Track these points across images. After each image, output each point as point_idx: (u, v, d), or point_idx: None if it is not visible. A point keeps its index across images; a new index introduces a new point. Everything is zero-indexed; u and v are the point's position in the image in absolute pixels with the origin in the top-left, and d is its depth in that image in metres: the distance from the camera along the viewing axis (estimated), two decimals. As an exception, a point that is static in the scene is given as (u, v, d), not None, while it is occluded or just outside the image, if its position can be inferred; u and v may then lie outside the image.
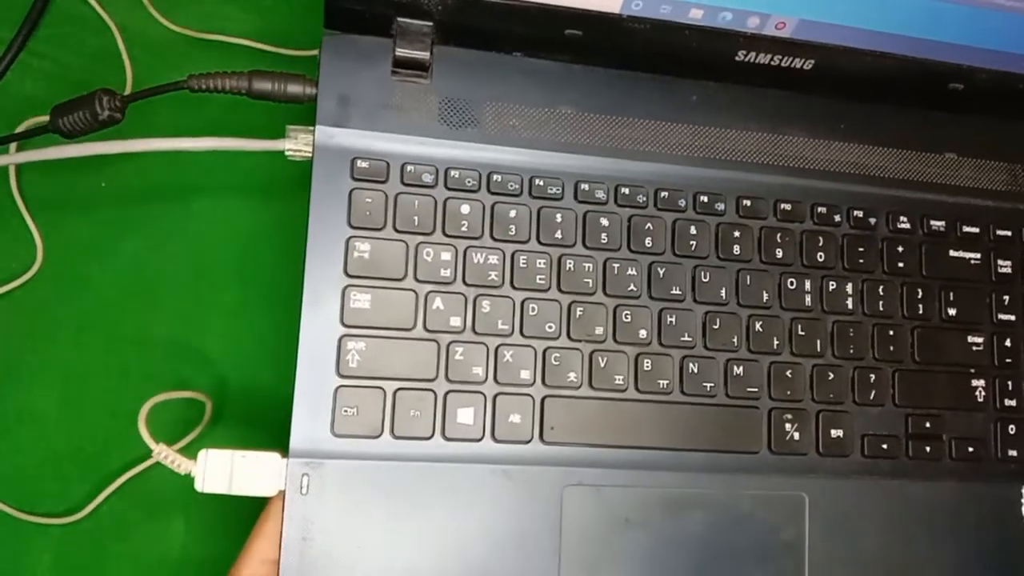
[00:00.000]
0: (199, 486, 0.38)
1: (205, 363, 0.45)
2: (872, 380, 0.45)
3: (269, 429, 0.48)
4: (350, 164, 0.41)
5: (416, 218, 0.41)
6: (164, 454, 0.38)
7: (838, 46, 0.45)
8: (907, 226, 0.47)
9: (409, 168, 0.42)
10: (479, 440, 0.40)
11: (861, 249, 0.46)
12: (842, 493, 0.44)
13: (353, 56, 0.42)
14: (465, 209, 0.42)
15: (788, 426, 0.44)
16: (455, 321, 0.41)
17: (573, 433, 0.41)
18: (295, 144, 0.41)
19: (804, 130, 0.47)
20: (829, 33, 0.45)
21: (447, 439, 0.40)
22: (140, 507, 0.42)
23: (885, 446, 0.45)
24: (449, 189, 0.42)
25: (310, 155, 0.41)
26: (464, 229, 0.42)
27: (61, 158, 0.39)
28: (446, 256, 0.41)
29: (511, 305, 0.42)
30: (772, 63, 0.46)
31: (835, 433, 0.44)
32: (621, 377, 0.42)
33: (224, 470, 0.38)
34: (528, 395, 0.41)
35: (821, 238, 0.46)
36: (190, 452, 0.38)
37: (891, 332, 0.46)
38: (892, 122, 0.48)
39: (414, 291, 0.41)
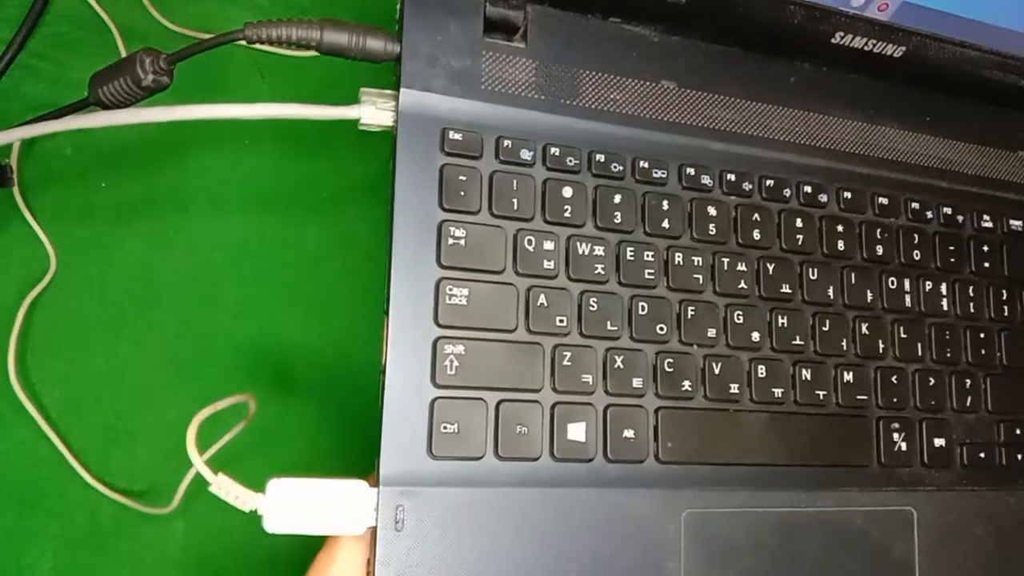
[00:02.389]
0: (269, 526, 0.31)
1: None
2: (968, 385, 0.43)
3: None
4: (440, 136, 0.35)
5: (515, 201, 0.35)
6: (225, 488, 0.31)
7: (931, 34, 0.43)
8: (989, 225, 0.45)
9: (505, 143, 0.36)
10: (591, 460, 0.35)
11: (951, 248, 0.44)
12: (947, 506, 0.41)
13: (440, 13, 0.36)
14: (567, 192, 0.36)
15: (896, 436, 0.41)
16: (561, 321, 0.35)
17: (690, 450, 0.36)
18: (374, 111, 0.35)
19: (893, 120, 0.44)
20: (926, 19, 0.42)
21: (556, 459, 0.34)
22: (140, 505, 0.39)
23: (983, 455, 0.42)
24: (549, 169, 0.36)
25: (391, 125, 0.35)
26: (567, 215, 0.36)
27: (108, 125, 0.31)
28: (548, 245, 0.36)
29: (620, 303, 0.36)
30: (865, 47, 0.43)
31: (938, 442, 0.41)
32: (736, 386, 0.38)
33: (298, 504, 0.31)
34: (640, 406, 0.36)
35: (916, 235, 0.43)
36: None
37: (981, 335, 0.44)
38: (972, 117, 0.46)
39: (515, 285, 0.35)
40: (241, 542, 0.41)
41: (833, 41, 0.42)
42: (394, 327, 0.33)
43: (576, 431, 0.35)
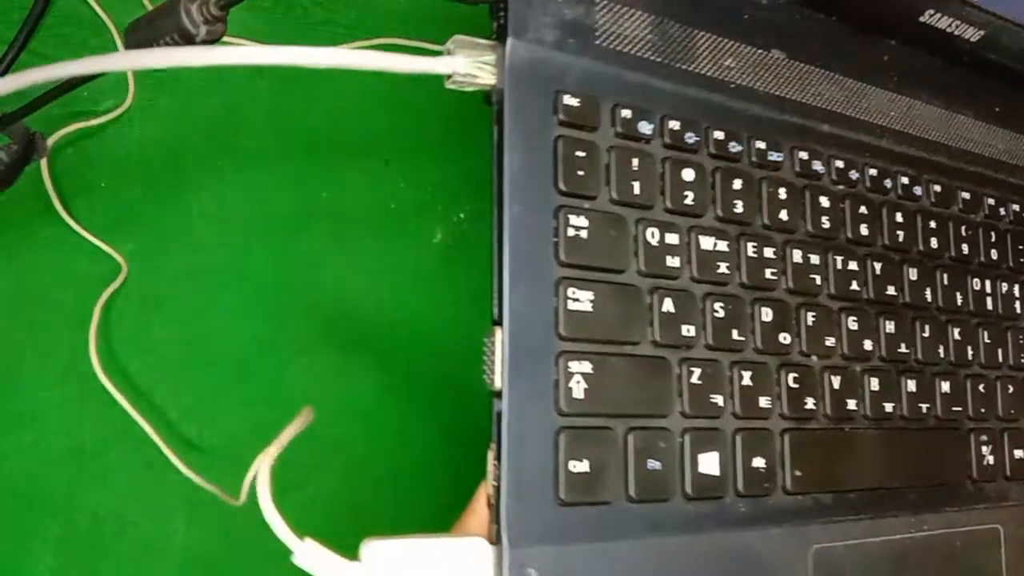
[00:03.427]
0: (370, 605, 0.23)
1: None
2: (1042, 392, 0.40)
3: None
4: (553, 100, 0.28)
5: (636, 184, 0.29)
6: (313, 558, 0.23)
7: (1010, 19, 0.40)
8: (1045, 222, 0.43)
9: (623, 112, 0.29)
10: (723, 497, 0.29)
11: (1022, 247, 0.41)
12: (1030, 522, 0.38)
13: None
14: (688, 175, 0.30)
15: (984, 449, 0.38)
16: (688, 330, 0.29)
17: (816, 478, 0.32)
18: (471, 65, 0.27)
19: (969, 109, 0.41)
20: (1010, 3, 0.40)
21: (688, 498, 0.28)
22: (141, 506, 0.37)
23: (1057, 466, 0.40)
24: (668, 146, 0.30)
25: (490, 83, 0.27)
26: (689, 203, 0.30)
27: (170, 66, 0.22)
28: (672, 239, 0.30)
29: (743, 308, 0.31)
30: (948, 28, 0.39)
31: (1018, 454, 0.39)
32: (853, 401, 0.33)
33: (402, 572, 0.24)
34: (768, 430, 0.31)
35: (993, 233, 0.40)
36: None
37: (1047, 339, 0.42)
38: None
39: (639, 288, 0.29)
40: (241, 542, 0.38)
41: (921, 19, 0.38)
42: (511, 340, 0.26)
43: (708, 463, 0.29)
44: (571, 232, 0.27)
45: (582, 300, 0.27)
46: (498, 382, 0.26)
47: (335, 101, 0.41)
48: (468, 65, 0.27)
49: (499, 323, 0.26)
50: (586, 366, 0.27)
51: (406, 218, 0.42)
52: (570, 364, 0.26)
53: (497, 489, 0.25)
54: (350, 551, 0.23)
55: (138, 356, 0.38)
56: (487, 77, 0.27)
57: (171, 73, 0.37)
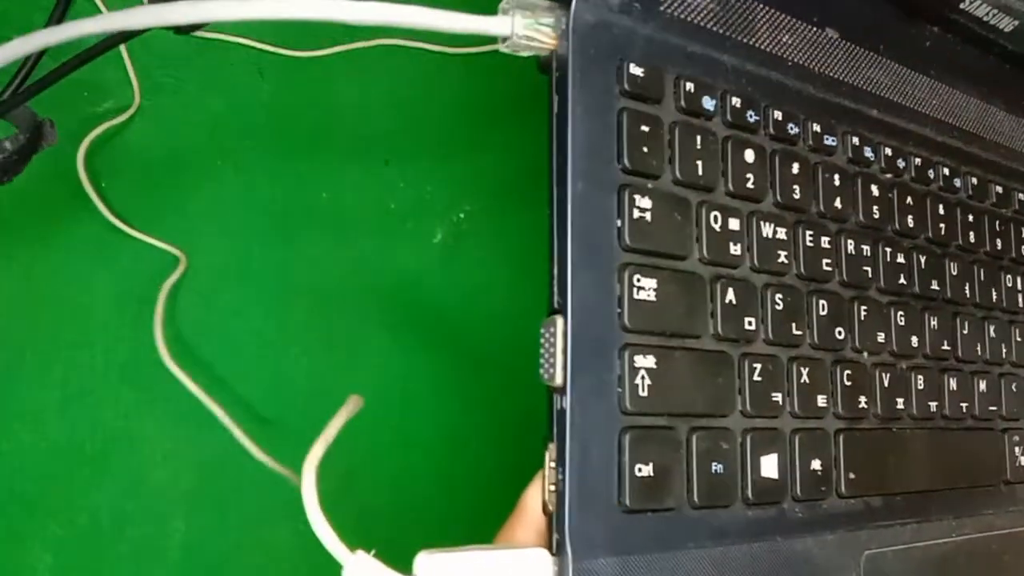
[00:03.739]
0: (428, 626, 0.21)
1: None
2: (1064, 392, 0.40)
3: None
4: (617, 70, 0.25)
5: (700, 164, 0.27)
6: (363, 573, 0.20)
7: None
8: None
9: (687, 86, 0.27)
10: (781, 502, 0.27)
11: (1046, 243, 0.41)
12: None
13: None
14: (749, 156, 0.28)
15: (1018, 450, 0.37)
16: (749, 324, 0.27)
17: (868, 481, 0.30)
18: (530, 26, 0.24)
19: (1001, 101, 0.40)
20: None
21: (748, 503, 0.26)
22: (140, 506, 0.36)
23: (1075, 466, 0.40)
24: (729, 125, 0.28)
25: (550, 46, 0.25)
26: (750, 186, 0.28)
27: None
28: (734, 225, 0.27)
29: (802, 300, 0.29)
30: (985, 17, 0.38)
31: (1047, 456, 0.38)
32: (902, 400, 0.32)
33: (458, 589, 0.21)
34: (823, 430, 0.29)
35: (1023, 228, 0.39)
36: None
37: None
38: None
39: (702, 276, 0.26)
40: (240, 542, 0.37)
41: (962, 6, 0.37)
42: (575, 330, 0.23)
43: (769, 465, 0.27)
44: (636, 214, 0.25)
45: (647, 288, 0.25)
46: (559, 376, 0.23)
47: (335, 101, 0.40)
48: (527, 26, 0.25)
49: (560, 311, 0.24)
50: (650, 361, 0.25)
51: (406, 218, 0.40)
52: (635, 358, 0.24)
53: (558, 494, 0.23)
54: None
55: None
56: (545, 40, 0.25)
57: (172, 73, 0.36)
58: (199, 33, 0.37)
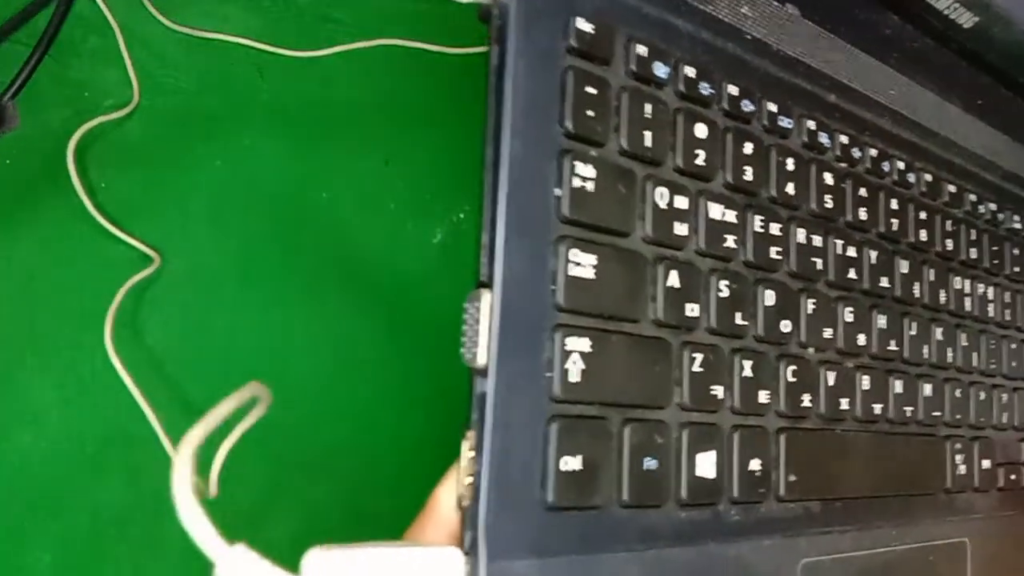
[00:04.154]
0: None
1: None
2: (1004, 400, 0.39)
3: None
4: (564, 24, 0.23)
5: (648, 135, 0.25)
6: (240, 569, 0.17)
7: (1004, 11, 0.38)
8: (1019, 226, 0.42)
9: (639, 49, 0.25)
10: (717, 504, 0.25)
11: (995, 248, 0.40)
12: (994, 535, 0.37)
13: None
14: (701, 131, 0.26)
15: (958, 458, 0.36)
16: (691, 310, 0.25)
17: (809, 484, 0.28)
18: (471, -37, 0.22)
19: (958, 99, 0.39)
20: None
21: (682, 504, 0.24)
22: (140, 506, 0.35)
23: (1013, 476, 0.39)
24: (682, 96, 0.26)
25: (492, -10, 0.23)
26: (700, 163, 0.26)
27: None
28: (681, 203, 0.25)
29: (748, 289, 0.27)
30: (945, 11, 0.37)
31: (985, 464, 0.37)
32: (846, 400, 0.30)
33: (355, 591, 0.19)
34: (764, 428, 0.27)
35: (973, 231, 0.38)
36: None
37: (1013, 347, 0.40)
38: (1013, 108, 0.43)
39: (645, 256, 0.24)
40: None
41: (926, -4, 0.36)
42: (500, 306, 0.21)
43: (706, 464, 0.25)
44: (577, 183, 0.23)
45: (584, 265, 0.23)
46: (482, 356, 0.21)
47: (335, 101, 0.40)
48: (466, -32, 0.22)
49: (487, 284, 0.21)
50: (584, 344, 0.22)
51: (406, 218, 0.40)
52: (568, 340, 0.22)
53: (475, 487, 0.20)
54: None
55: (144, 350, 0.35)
56: (489, -15, 0.22)
57: (171, 73, 0.36)
58: (199, 33, 0.37)
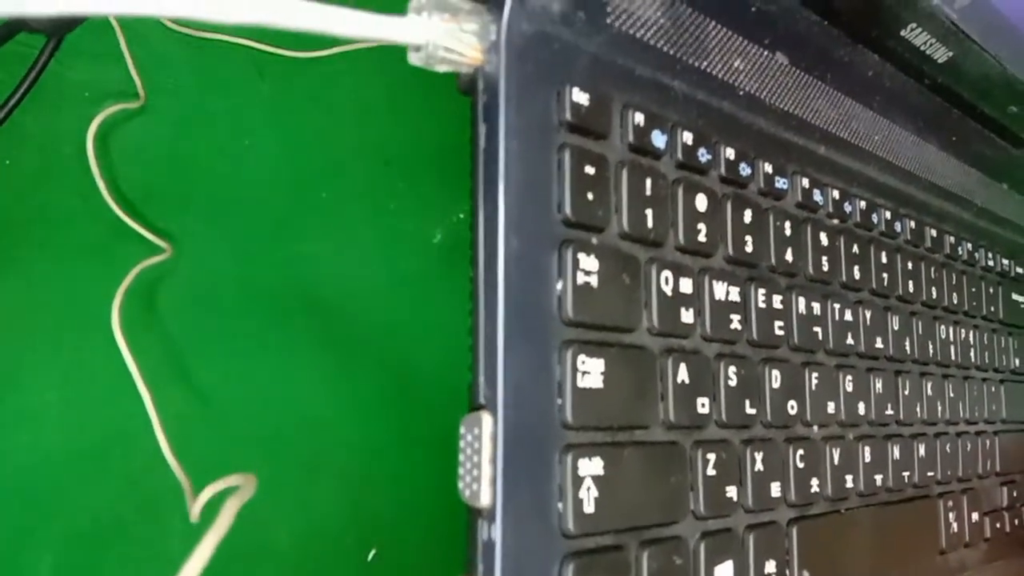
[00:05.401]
0: None
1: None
2: (987, 447, 0.38)
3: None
4: (558, 96, 0.20)
5: (649, 213, 0.22)
6: None
7: (980, 45, 0.37)
8: (992, 263, 0.41)
9: (636, 118, 0.22)
10: (736, 617, 0.23)
11: (974, 290, 0.39)
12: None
13: None
14: (701, 204, 0.24)
15: (951, 516, 0.34)
16: (702, 405, 0.23)
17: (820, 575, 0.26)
18: (452, 35, 0.19)
19: (934, 138, 0.38)
20: (990, 22, 0.37)
21: (702, 626, 0.22)
22: (141, 506, 0.34)
23: (998, 524, 0.38)
24: (680, 166, 0.23)
25: (474, 61, 0.19)
26: (702, 239, 0.24)
27: None
28: (685, 287, 0.23)
29: (754, 372, 0.25)
30: (923, 47, 0.36)
31: (974, 516, 0.36)
32: (851, 477, 0.28)
33: None
34: (776, 523, 0.25)
35: (954, 275, 0.37)
36: None
37: (992, 389, 0.39)
38: (985, 144, 0.42)
39: (652, 351, 0.22)
40: (238, 542, 0.33)
41: (902, 33, 0.34)
42: (503, 433, 0.18)
43: (724, 576, 0.22)
44: (580, 278, 0.20)
45: (592, 373, 0.20)
46: (486, 495, 0.18)
47: (335, 101, 0.38)
48: (447, 33, 0.19)
49: (487, 407, 0.18)
50: (597, 465, 0.19)
51: (406, 218, 0.39)
52: (579, 463, 0.19)
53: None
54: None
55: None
56: (468, 53, 0.19)
57: (171, 73, 0.35)
58: (198, 33, 0.35)
